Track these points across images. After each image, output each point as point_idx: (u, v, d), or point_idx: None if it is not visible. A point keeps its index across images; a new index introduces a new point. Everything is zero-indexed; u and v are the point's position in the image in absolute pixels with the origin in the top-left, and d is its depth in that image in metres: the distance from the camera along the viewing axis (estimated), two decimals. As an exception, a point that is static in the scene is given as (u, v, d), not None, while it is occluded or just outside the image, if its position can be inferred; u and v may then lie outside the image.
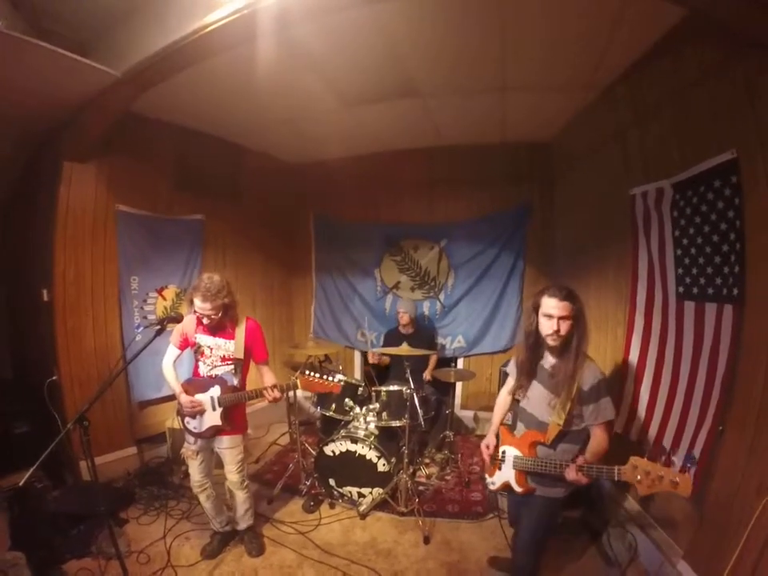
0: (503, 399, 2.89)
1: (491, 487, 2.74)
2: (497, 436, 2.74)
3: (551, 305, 2.32)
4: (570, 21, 2.79)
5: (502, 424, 2.79)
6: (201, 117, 4.55)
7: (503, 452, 2.64)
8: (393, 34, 3.03)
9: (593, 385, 2.32)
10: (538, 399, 2.49)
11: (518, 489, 2.53)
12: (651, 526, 3.13)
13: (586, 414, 2.35)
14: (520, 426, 2.65)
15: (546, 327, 2.35)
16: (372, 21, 2.85)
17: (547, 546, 2.73)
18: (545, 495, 2.48)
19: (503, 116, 4.51)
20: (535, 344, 2.48)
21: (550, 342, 2.37)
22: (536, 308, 2.43)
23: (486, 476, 2.80)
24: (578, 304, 2.33)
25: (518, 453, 2.55)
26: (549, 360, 2.48)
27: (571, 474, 2.24)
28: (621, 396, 3.46)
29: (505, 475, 2.60)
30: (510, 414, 2.92)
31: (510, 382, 2.79)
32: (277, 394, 3.01)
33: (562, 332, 2.31)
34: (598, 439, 2.34)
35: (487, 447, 2.73)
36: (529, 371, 2.54)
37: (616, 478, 2.12)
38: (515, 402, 2.78)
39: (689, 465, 1.97)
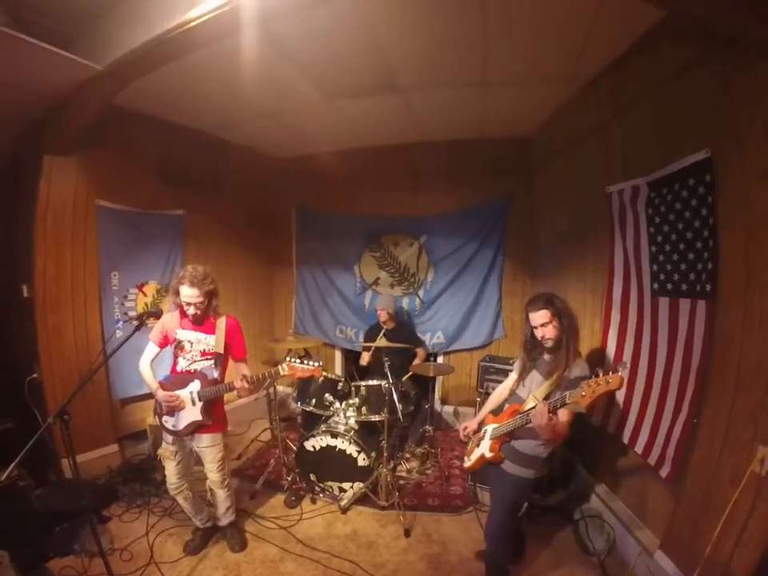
0: (500, 391, 3.08)
1: (466, 465, 2.98)
2: (481, 423, 2.97)
3: (533, 318, 2.62)
4: (551, 17, 2.82)
5: (489, 413, 2.97)
6: (183, 110, 4.52)
7: (484, 431, 2.85)
8: (375, 29, 3.03)
9: (578, 376, 2.48)
10: (531, 384, 2.72)
11: (488, 454, 2.73)
12: (628, 516, 3.21)
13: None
14: (506, 406, 2.85)
15: (538, 335, 2.63)
16: (354, 15, 2.86)
17: (522, 529, 3.01)
18: (513, 473, 2.66)
19: (485, 111, 4.54)
20: (532, 347, 2.76)
21: (546, 344, 2.63)
22: (526, 318, 2.70)
23: (465, 457, 3.02)
24: (555, 306, 2.58)
25: (496, 425, 2.77)
26: (547, 355, 2.70)
27: (540, 405, 2.39)
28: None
29: (481, 449, 2.82)
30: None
31: (513, 377, 2.96)
32: (245, 384, 3.00)
33: (549, 335, 2.58)
34: (561, 418, 2.47)
35: (464, 428, 3.01)
36: (527, 367, 2.79)
37: (568, 401, 2.30)
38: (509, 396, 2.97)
39: (620, 369, 2.21)
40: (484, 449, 2.78)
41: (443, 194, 5.72)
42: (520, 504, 2.78)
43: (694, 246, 2.60)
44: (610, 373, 2.18)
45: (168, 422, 3.07)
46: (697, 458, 2.56)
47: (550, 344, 2.59)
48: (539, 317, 2.57)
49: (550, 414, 2.35)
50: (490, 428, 2.81)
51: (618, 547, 3.18)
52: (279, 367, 3.10)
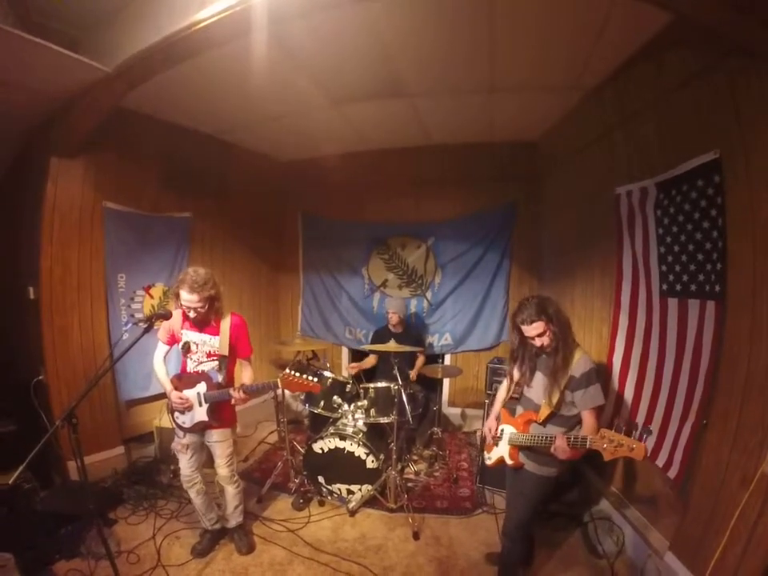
0: (502, 392, 3.07)
1: (487, 462, 2.99)
2: (498, 418, 2.95)
3: (526, 330, 2.55)
4: (558, 23, 2.83)
5: (503, 407, 2.97)
6: (190, 113, 4.53)
7: (502, 430, 2.86)
8: (382, 34, 3.05)
9: (583, 372, 2.50)
10: (538, 386, 2.68)
11: (509, 461, 2.76)
12: (638, 518, 3.20)
13: (577, 400, 2.52)
14: (519, 409, 2.85)
15: (535, 344, 2.58)
16: (362, 20, 2.87)
17: (533, 531, 2.98)
18: (535, 473, 2.67)
19: (491, 116, 4.56)
20: (524, 352, 2.72)
21: (545, 351, 2.60)
22: (516, 328, 2.65)
23: (485, 452, 3.05)
24: (548, 314, 2.51)
25: (513, 430, 2.76)
26: (545, 356, 2.65)
27: (559, 440, 2.40)
28: (606, 393, 3.52)
29: (500, 450, 2.84)
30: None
31: (507, 382, 2.99)
32: (241, 395, 2.98)
33: (546, 343, 2.54)
34: (587, 424, 2.50)
35: (489, 430, 2.94)
36: (528, 370, 2.73)
37: (588, 446, 2.31)
38: (515, 398, 2.98)
39: (645, 435, 2.27)
40: (503, 452, 2.79)
41: (449, 198, 5.75)
42: (541, 502, 2.78)
43: (703, 247, 2.60)
44: (635, 435, 2.20)
45: (179, 418, 3.09)
46: (706, 460, 2.55)
47: (549, 350, 2.57)
48: (533, 329, 2.51)
49: (571, 448, 2.38)
50: (507, 430, 2.80)
51: (628, 549, 3.17)
52: (277, 379, 3.04)
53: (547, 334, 2.52)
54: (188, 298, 2.86)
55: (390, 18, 2.86)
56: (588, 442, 2.30)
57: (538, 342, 2.55)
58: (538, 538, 3.24)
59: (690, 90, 2.68)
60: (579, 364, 2.51)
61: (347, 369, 5.27)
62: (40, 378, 3.82)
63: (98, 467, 3.99)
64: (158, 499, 3.88)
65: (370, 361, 5.25)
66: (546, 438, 2.48)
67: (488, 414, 3.14)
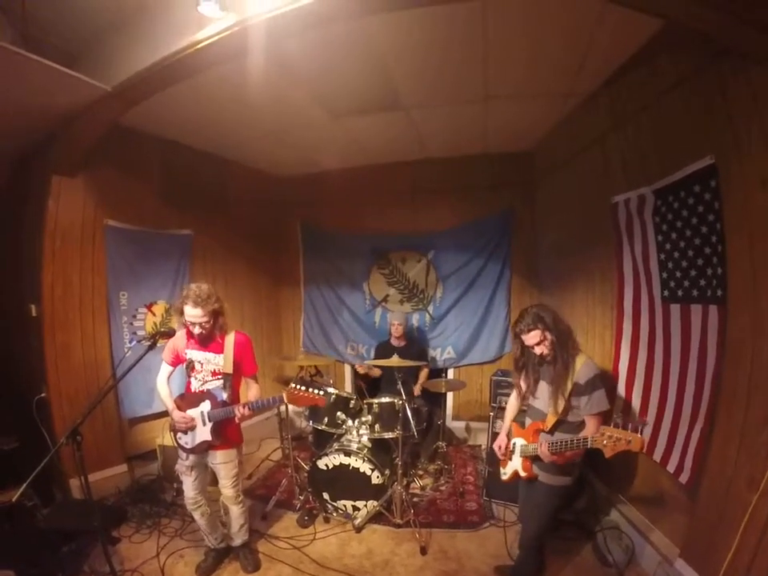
0: (513, 404, 3.07)
1: (503, 478, 2.98)
2: (508, 434, 2.96)
3: (525, 339, 2.61)
4: (551, 31, 2.87)
5: (513, 421, 3.00)
6: (189, 130, 4.58)
7: (513, 443, 2.87)
8: (378, 48, 3.09)
9: (588, 379, 2.52)
10: (543, 395, 2.71)
11: (522, 474, 2.77)
12: (647, 525, 3.17)
13: (581, 405, 2.54)
14: (528, 420, 2.86)
15: (536, 353, 2.63)
16: (358, 35, 2.91)
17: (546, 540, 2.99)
18: (549, 483, 2.68)
19: (486, 125, 4.60)
20: (527, 361, 2.76)
21: (546, 359, 2.63)
22: (517, 338, 2.69)
23: (501, 468, 3.02)
24: (544, 322, 2.56)
25: (523, 442, 2.78)
26: (548, 366, 2.68)
27: (543, 446, 2.50)
28: (613, 400, 3.50)
29: (514, 464, 2.85)
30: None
31: (514, 394, 3.02)
32: (246, 411, 2.95)
33: (546, 351, 2.58)
34: (589, 429, 2.52)
35: (500, 448, 2.95)
36: (533, 381, 2.77)
37: (589, 446, 2.33)
38: (522, 410, 3.00)
39: (640, 427, 2.37)
40: (517, 465, 2.80)
41: (448, 209, 5.77)
42: (556, 512, 2.79)
43: (703, 252, 2.62)
44: (629, 428, 2.23)
45: (182, 438, 3.06)
46: (712, 464, 2.54)
47: (549, 358, 2.61)
48: (531, 337, 2.57)
49: (554, 456, 2.48)
50: (518, 443, 2.81)
51: (638, 557, 3.14)
52: (283, 393, 3.04)
53: (544, 342, 2.56)
54: (192, 312, 2.84)
55: (385, 32, 2.91)
56: (588, 442, 2.32)
57: (537, 351, 2.60)
58: (548, 548, 3.20)
59: (682, 93, 2.73)
60: (583, 370, 2.53)
61: (356, 367, 5.28)
62: (42, 395, 3.81)
63: (100, 485, 3.95)
64: (161, 517, 3.84)
65: (377, 370, 5.24)
66: (555, 444, 2.48)
67: (493, 427, 3.14)
